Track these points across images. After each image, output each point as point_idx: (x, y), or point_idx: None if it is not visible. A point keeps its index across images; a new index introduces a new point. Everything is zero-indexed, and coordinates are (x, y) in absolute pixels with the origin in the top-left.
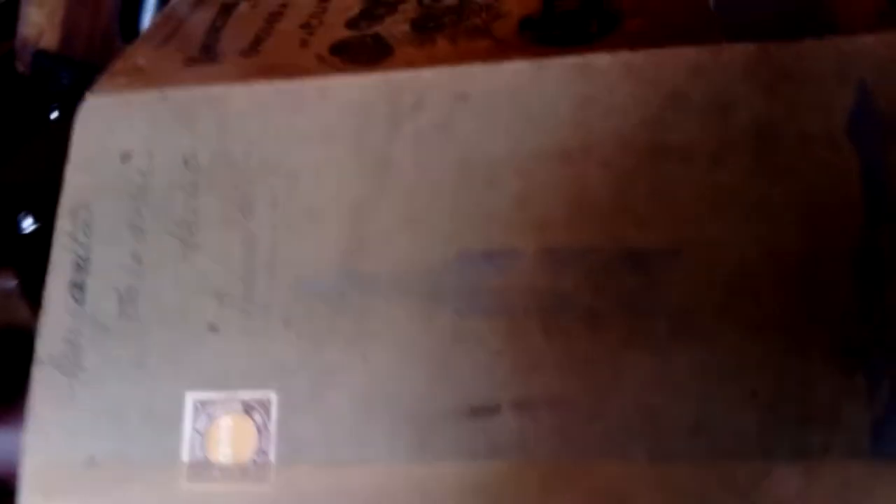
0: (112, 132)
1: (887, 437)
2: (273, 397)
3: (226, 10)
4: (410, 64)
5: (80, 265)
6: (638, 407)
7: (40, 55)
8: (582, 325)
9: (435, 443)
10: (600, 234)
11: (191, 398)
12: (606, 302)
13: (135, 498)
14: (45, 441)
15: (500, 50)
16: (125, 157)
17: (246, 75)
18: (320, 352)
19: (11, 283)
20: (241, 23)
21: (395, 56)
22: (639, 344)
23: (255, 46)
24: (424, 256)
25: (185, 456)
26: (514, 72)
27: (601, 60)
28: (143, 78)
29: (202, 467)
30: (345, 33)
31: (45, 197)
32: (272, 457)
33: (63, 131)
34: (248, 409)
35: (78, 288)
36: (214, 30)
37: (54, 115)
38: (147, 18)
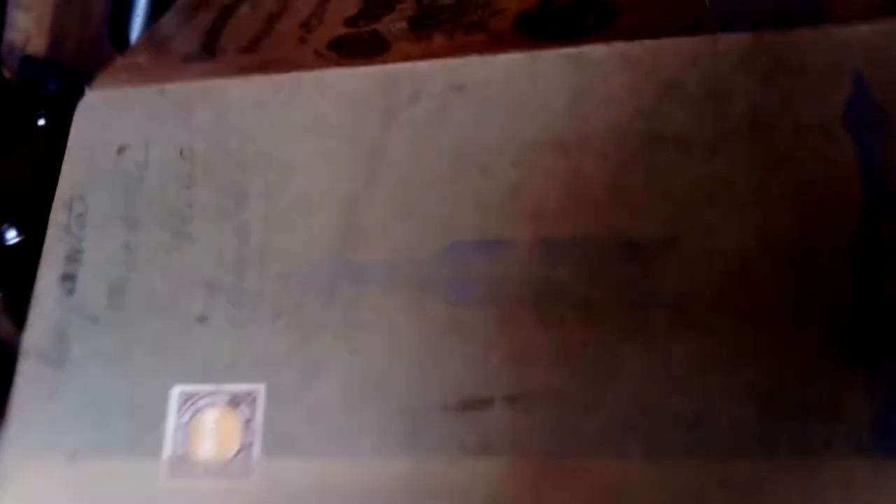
0: (109, 125)
1: (890, 432)
2: (261, 390)
3: (226, 12)
4: (407, 58)
5: (73, 257)
6: (634, 400)
7: (27, 61)
8: (577, 315)
9: (425, 437)
10: (596, 224)
11: (176, 391)
12: (602, 292)
13: (116, 494)
14: (27, 435)
15: (496, 43)
16: (121, 149)
17: (243, 70)
18: (309, 343)
19: None
20: (240, 23)
21: (391, 51)
22: (635, 335)
23: (254, 44)
24: (417, 246)
25: (168, 451)
26: (510, 63)
27: (596, 51)
28: (142, 74)
29: (185, 463)
30: (343, 30)
31: (30, 208)
32: (257, 451)
33: (50, 139)
34: (234, 401)
35: (69, 279)
36: (214, 30)
37: (41, 122)
38: (137, 24)
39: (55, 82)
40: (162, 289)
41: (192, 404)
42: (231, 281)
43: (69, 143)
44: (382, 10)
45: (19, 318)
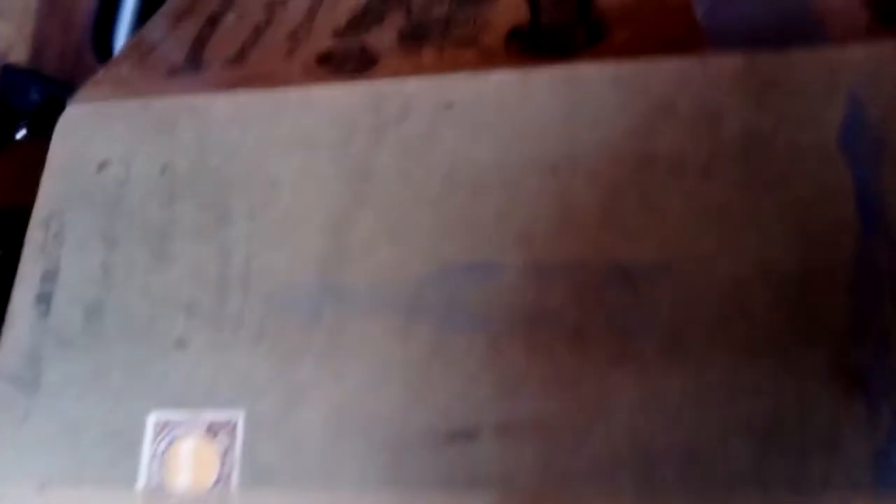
0: (90, 141)
1: (890, 468)
2: (239, 418)
3: (212, 21)
4: (396, 73)
5: (48, 276)
6: (626, 433)
7: (8, 70)
8: (567, 343)
9: (409, 469)
10: (587, 248)
11: (152, 418)
12: (593, 319)
13: None
14: None
15: (487, 60)
16: (102, 165)
17: (229, 85)
18: (292, 369)
19: None
20: (227, 33)
21: (380, 66)
22: (627, 365)
23: (240, 57)
24: (404, 269)
25: (143, 481)
26: (500, 81)
27: (588, 70)
28: (126, 87)
29: (160, 494)
30: (331, 43)
31: (9, 223)
32: (235, 482)
33: (31, 151)
34: (212, 430)
35: (44, 301)
36: (200, 40)
37: (21, 133)
38: (122, 33)
39: (38, 92)
40: (140, 311)
41: (168, 433)
42: (211, 303)
43: (48, 159)
44: (371, 21)
45: None
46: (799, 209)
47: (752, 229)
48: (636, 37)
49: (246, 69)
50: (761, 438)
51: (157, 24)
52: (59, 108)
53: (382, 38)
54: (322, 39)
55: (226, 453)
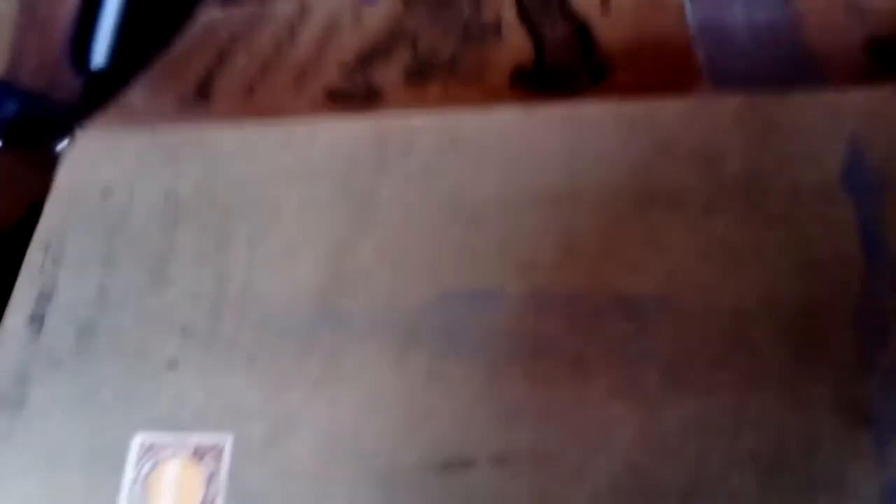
0: (97, 168)
1: None
2: (227, 442)
3: (222, 55)
4: (401, 110)
5: (44, 297)
6: (626, 466)
7: None
8: (567, 372)
9: (401, 499)
10: (589, 279)
11: (137, 440)
12: (594, 349)
13: None
14: None
15: (491, 98)
16: (106, 191)
17: (236, 117)
18: (284, 393)
19: None
20: (236, 67)
21: (385, 102)
22: (628, 395)
23: (248, 90)
24: (403, 296)
25: None
26: (504, 118)
27: (590, 109)
28: (135, 118)
29: None
30: (338, 79)
31: None
32: None
33: (5, 163)
34: (198, 453)
35: (37, 321)
36: (209, 73)
37: None
38: (101, 46)
39: (14, 105)
40: (133, 332)
41: (152, 455)
42: (206, 326)
43: (54, 185)
44: (378, 58)
45: None
46: (802, 245)
47: (755, 263)
48: (638, 78)
49: (254, 103)
50: (766, 472)
51: (168, 60)
52: (35, 121)
53: (389, 74)
54: (329, 75)
55: (211, 478)
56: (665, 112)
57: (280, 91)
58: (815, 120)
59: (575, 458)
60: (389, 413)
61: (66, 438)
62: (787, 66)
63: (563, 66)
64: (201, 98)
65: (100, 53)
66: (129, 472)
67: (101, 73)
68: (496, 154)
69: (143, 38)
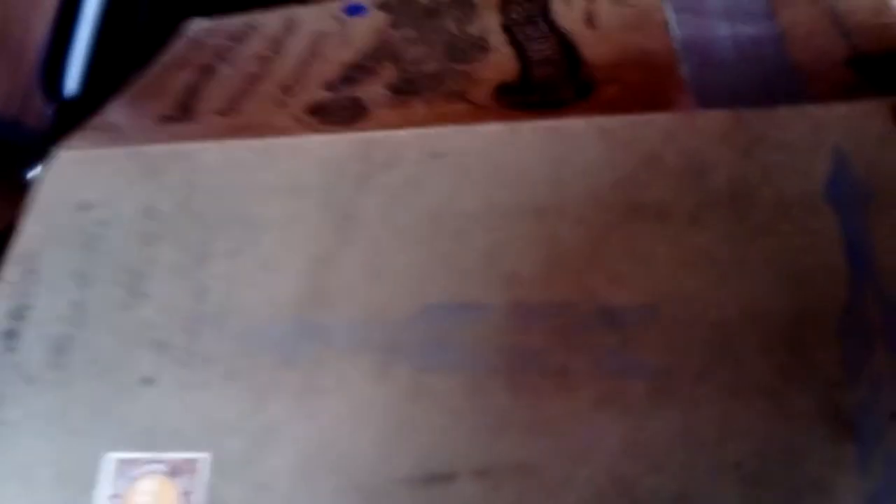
0: (76, 185)
1: None
2: (204, 459)
3: (206, 71)
4: (385, 125)
5: (18, 313)
6: (611, 477)
7: None
8: (551, 383)
9: None
10: (573, 290)
11: (111, 458)
12: (578, 360)
13: None
14: None
15: (476, 113)
16: (85, 207)
17: (219, 133)
18: (263, 408)
19: None
20: (220, 83)
21: (370, 117)
22: (613, 407)
23: (232, 106)
24: (385, 309)
25: None
26: (489, 133)
27: (575, 124)
28: (116, 135)
29: None
30: (323, 95)
31: None
32: None
33: None
34: (174, 471)
35: (12, 336)
36: (192, 90)
37: None
38: (73, 73)
39: None
40: (108, 347)
41: (127, 472)
42: (183, 341)
43: (33, 202)
44: (363, 74)
45: None
46: (787, 256)
47: (740, 275)
48: (623, 93)
49: (237, 119)
50: (751, 482)
51: (150, 75)
52: (6, 148)
53: (374, 90)
54: (314, 91)
55: (188, 495)
56: (650, 127)
57: (264, 106)
58: (799, 134)
59: (559, 469)
60: (371, 427)
61: (39, 456)
62: (771, 80)
63: (549, 82)
64: (183, 114)
65: (72, 80)
66: (103, 490)
67: (74, 99)
68: (480, 168)
69: (116, 65)
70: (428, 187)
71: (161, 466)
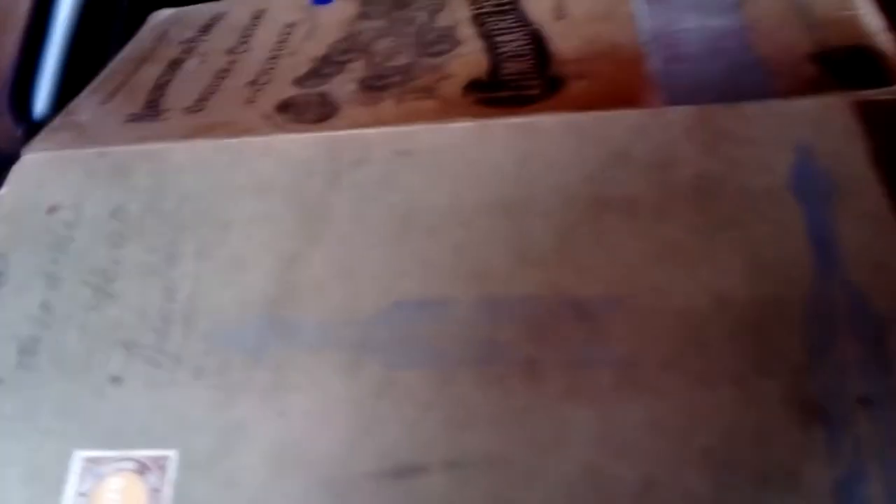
0: (43, 186)
1: (852, 498)
2: (172, 456)
3: (173, 66)
4: (355, 123)
5: None
6: (580, 466)
7: None
8: (520, 375)
9: None
10: (541, 284)
11: (79, 456)
12: (547, 352)
13: None
14: None
15: (445, 110)
16: (52, 209)
17: (188, 133)
18: (232, 406)
19: None
20: (187, 79)
21: (340, 115)
22: (581, 397)
23: (200, 103)
24: (355, 306)
25: None
26: (458, 130)
27: (544, 120)
28: (83, 135)
29: None
30: (292, 91)
31: None
32: None
33: None
34: (141, 468)
35: None
36: (160, 86)
37: None
38: (43, 94)
39: None
40: (77, 348)
41: (94, 471)
42: (151, 340)
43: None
44: (333, 70)
45: None
46: (752, 246)
47: (706, 264)
48: (592, 89)
49: (205, 117)
50: (719, 469)
51: (116, 70)
52: None
53: (343, 86)
54: (283, 87)
55: (155, 493)
56: (617, 122)
57: (232, 104)
58: (763, 128)
59: (528, 460)
60: (340, 422)
61: (8, 455)
62: (736, 74)
63: (518, 77)
64: (151, 113)
65: (42, 101)
66: (70, 489)
67: (43, 121)
68: (449, 165)
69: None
70: (397, 185)
71: (129, 464)
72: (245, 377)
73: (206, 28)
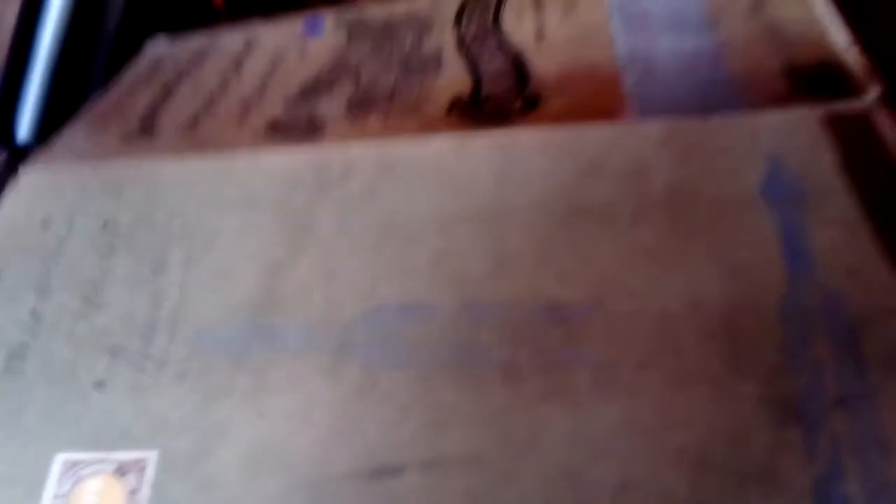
0: (38, 202)
1: (831, 497)
2: (151, 457)
3: (166, 91)
4: (341, 140)
5: None
6: (557, 467)
7: None
8: (498, 378)
9: None
10: (520, 289)
11: (59, 458)
12: (524, 354)
13: None
14: None
15: (428, 127)
16: (46, 224)
17: (179, 150)
18: (213, 407)
19: None
20: (181, 101)
21: (326, 133)
22: (558, 397)
23: (192, 124)
24: (337, 310)
25: None
26: (439, 145)
27: (521, 136)
28: (79, 154)
29: None
30: (281, 112)
31: None
32: None
33: None
34: (121, 470)
35: None
36: (154, 107)
37: None
38: (26, 120)
39: None
40: (63, 354)
41: (74, 473)
42: (137, 346)
43: None
44: (320, 91)
45: None
46: (725, 251)
47: (681, 269)
48: (569, 105)
49: (197, 136)
50: (696, 468)
51: (112, 94)
52: None
53: (331, 106)
54: (273, 107)
55: (134, 493)
56: (592, 137)
57: (224, 124)
58: (735, 140)
59: (505, 459)
60: (319, 423)
61: None
62: (708, 91)
63: (498, 97)
64: (145, 133)
65: (25, 126)
66: (48, 492)
67: (27, 147)
68: (430, 177)
69: (71, 113)
70: (380, 197)
71: (108, 466)
72: (227, 380)
73: (200, 56)
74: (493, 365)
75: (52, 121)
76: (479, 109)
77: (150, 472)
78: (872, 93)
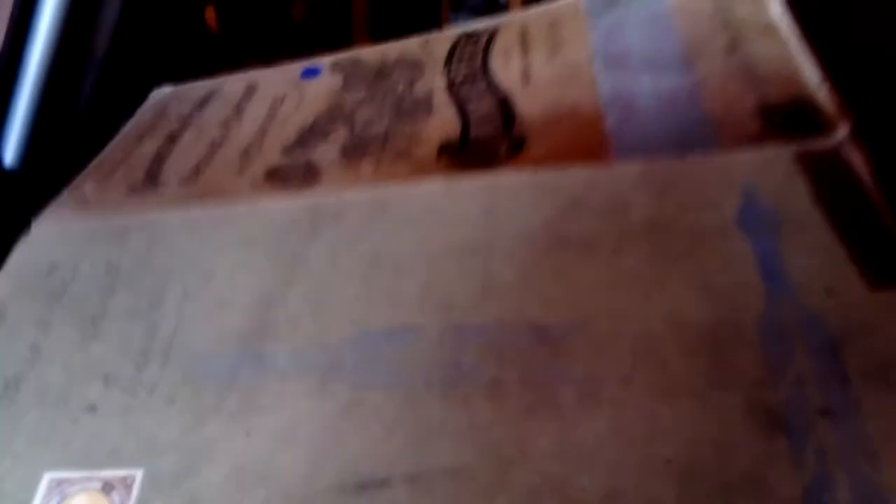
0: (47, 249)
1: None
2: (137, 475)
3: (171, 140)
4: (335, 186)
5: None
6: (542, 479)
7: None
8: (484, 394)
9: None
10: (506, 312)
11: (46, 477)
12: (510, 373)
13: None
14: None
15: (419, 171)
16: (52, 267)
17: (182, 200)
18: (201, 427)
19: None
20: (184, 151)
21: (322, 179)
22: (543, 411)
23: (194, 174)
24: (327, 335)
25: None
26: (428, 188)
27: (507, 177)
28: (87, 206)
29: None
30: (279, 160)
31: None
32: None
33: None
34: (107, 488)
35: None
36: (158, 159)
37: None
38: (11, 146)
39: None
40: (58, 381)
41: (60, 491)
42: (130, 372)
43: (5, 267)
44: (317, 138)
45: None
46: (704, 275)
47: (662, 292)
48: (553, 148)
49: (199, 186)
50: (683, 478)
51: (120, 144)
52: None
53: (327, 152)
54: (272, 155)
55: None
56: (573, 176)
57: (224, 172)
58: (711, 176)
59: (491, 472)
60: (305, 440)
61: None
62: (685, 129)
63: (485, 140)
64: (150, 183)
65: (10, 153)
66: None
67: (12, 173)
68: (418, 216)
69: (57, 139)
70: (371, 235)
71: (94, 483)
72: (216, 401)
73: (203, 102)
74: (478, 383)
75: (39, 145)
76: (466, 153)
77: (136, 490)
78: (843, 130)
